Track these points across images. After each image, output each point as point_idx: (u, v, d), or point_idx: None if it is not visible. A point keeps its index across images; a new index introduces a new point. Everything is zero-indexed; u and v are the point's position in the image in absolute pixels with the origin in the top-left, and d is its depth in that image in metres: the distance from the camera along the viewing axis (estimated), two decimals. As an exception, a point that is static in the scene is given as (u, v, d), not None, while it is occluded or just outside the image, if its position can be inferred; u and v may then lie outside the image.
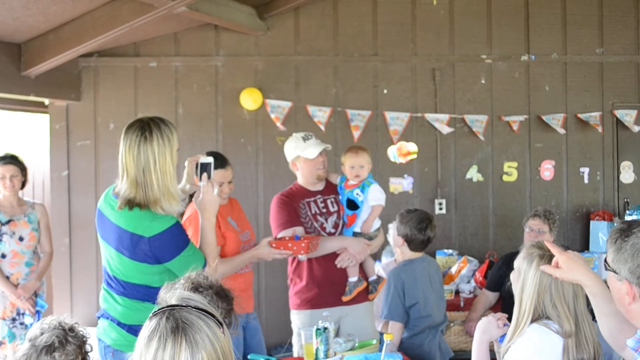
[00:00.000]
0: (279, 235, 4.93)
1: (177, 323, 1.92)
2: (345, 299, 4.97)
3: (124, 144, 3.61)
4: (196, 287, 2.95)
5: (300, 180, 5.20)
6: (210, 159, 3.98)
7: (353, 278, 5.00)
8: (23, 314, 6.20)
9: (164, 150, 3.59)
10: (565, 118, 7.79)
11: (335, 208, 5.16)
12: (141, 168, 3.55)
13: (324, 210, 5.11)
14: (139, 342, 1.96)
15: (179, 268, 3.58)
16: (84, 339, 2.88)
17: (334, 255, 4.98)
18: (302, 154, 5.03)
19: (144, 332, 1.95)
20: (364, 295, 5.10)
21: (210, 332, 1.94)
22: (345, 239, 5.02)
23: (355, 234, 5.09)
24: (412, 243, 4.89)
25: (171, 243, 3.60)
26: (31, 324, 6.11)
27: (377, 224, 5.18)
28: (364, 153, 5.12)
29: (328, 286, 5.00)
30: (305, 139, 5.06)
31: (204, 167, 3.93)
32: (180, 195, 3.74)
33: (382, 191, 5.14)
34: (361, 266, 5.11)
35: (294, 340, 5.12)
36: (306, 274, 5.04)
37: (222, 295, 3.07)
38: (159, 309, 2.00)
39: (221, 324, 2.01)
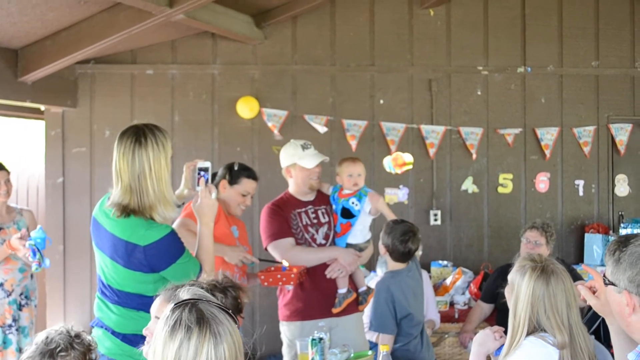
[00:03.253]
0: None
1: (201, 315, 1.98)
2: (335, 310, 4.95)
3: (117, 150, 3.57)
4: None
5: (292, 189, 5.18)
6: (208, 164, 3.93)
7: (342, 289, 4.98)
8: (17, 320, 6.18)
9: (159, 155, 3.55)
10: (560, 131, 7.81)
11: (326, 219, 5.14)
12: (136, 174, 3.51)
13: (315, 221, 5.10)
14: (160, 333, 2.01)
15: (174, 276, 3.50)
16: (90, 346, 2.87)
17: (324, 267, 4.97)
18: (299, 162, 5.01)
19: (167, 323, 2.00)
20: (354, 307, 5.09)
21: (230, 326, 2.01)
22: (335, 250, 5.02)
23: (348, 245, 5.08)
24: (394, 254, 4.88)
25: (167, 251, 3.56)
26: (34, 265, 5.91)
27: (367, 235, 5.19)
28: (360, 162, 5.16)
29: (317, 297, 4.98)
30: (304, 147, 5.04)
31: (203, 172, 3.89)
32: (175, 202, 3.72)
33: (370, 204, 5.13)
34: (351, 277, 5.10)
35: (284, 351, 5.10)
36: (298, 289, 5.02)
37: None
38: (180, 302, 2.04)
39: (236, 321, 2.07)
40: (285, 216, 5.04)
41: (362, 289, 5.16)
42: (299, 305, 5.00)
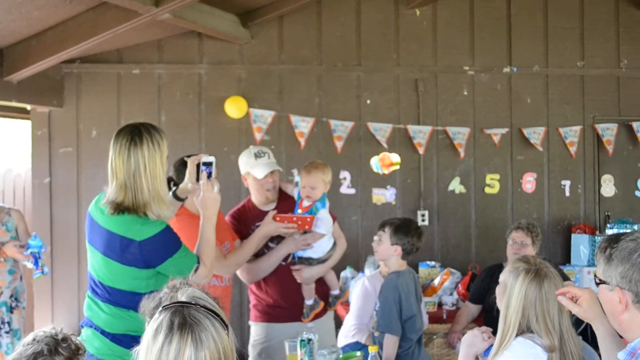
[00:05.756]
0: None
1: (184, 320, 2.02)
2: (304, 320, 4.86)
3: (113, 149, 3.61)
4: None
5: (253, 197, 5.02)
6: (212, 158, 3.99)
7: (309, 301, 4.88)
8: (8, 322, 6.15)
9: (154, 154, 3.59)
10: (547, 131, 7.83)
11: None
12: (131, 172, 3.55)
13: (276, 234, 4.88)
14: (146, 334, 2.05)
15: (171, 270, 3.55)
16: (79, 350, 2.83)
17: (287, 274, 4.87)
18: (251, 171, 4.84)
19: (152, 326, 2.04)
20: (323, 311, 5.01)
21: (215, 333, 2.03)
22: (283, 247, 4.84)
23: (305, 259, 4.89)
24: (409, 252, 4.87)
25: (163, 247, 3.59)
26: (36, 273, 5.93)
27: (328, 245, 4.95)
28: (317, 172, 4.84)
29: (283, 304, 4.91)
30: (257, 155, 4.84)
31: (206, 166, 3.96)
32: (170, 201, 3.77)
33: (328, 218, 4.91)
34: (324, 280, 5.03)
35: (250, 350, 5.02)
36: (262, 292, 4.95)
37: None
38: (168, 305, 2.08)
39: (226, 326, 2.09)
40: (242, 231, 4.89)
41: (335, 292, 5.08)
42: (266, 308, 4.94)
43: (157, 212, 3.61)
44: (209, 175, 3.94)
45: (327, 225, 4.87)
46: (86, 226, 3.79)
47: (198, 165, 4.02)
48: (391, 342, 4.70)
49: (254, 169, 4.81)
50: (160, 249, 3.58)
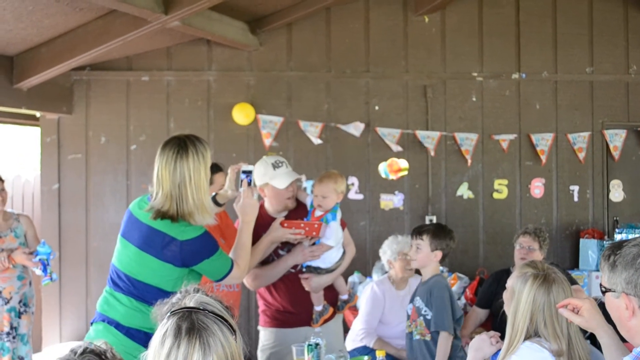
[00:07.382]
0: None
1: (193, 324, 2.03)
2: (314, 326, 4.83)
3: (160, 160, 3.75)
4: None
5: (267, 205, 4.90)
6: (252, 167, 4.23)
7: (318, 307, 4.82)
8: (16, 327, 6.16)
9: (199, 166, 3.74)
10: (555, 137, 7.83)
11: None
12: (177, 183, 3.70)
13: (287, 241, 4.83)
14: (154, 339, 2.06)
15: (206, 270, 3.84)
16: None
17: (296, 281, 4.82)
18: (270, 182, 4.71)
19: (160, 330, 2.05)
20: (331, 316, 4.96)
21: (223, 337, 2.04)
22: (290, 258, 4.78)
23: (313, 268, 4.81)
24: (446, 255, 4.90)
25: (202, 248, 3.77)
26: (45, 280, 5.97)
27: (337, 256, 4.86)
28: (329, 182, 4.75)
29: (293, 311, 4.86)
30: (275, 166, 4.73)
31: (246, 174, 4.17)
32: (213, 209, 3.89)
33: (338, 230, 4.81)
34: (333, 286, 4.97)
35: (259, 355, 4.99)
36: (271, 298, 4.91)
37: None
38: (176, 310, 2.08)
39: (234, 331, 2.10)
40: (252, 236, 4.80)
41: (344, 296, 5.02)
42: (275, 313, 4.90)
43: (200, 220, 3.77)
44: (249, 183, 4.16)
45: (337, 237, 4.80)
46: (123, 221, 3.93)
47: (238, 173, 4.25)
48: (447, 341, 4.67)
49: (274, 179, 4.70)
50: (199, 251, 3.77)
